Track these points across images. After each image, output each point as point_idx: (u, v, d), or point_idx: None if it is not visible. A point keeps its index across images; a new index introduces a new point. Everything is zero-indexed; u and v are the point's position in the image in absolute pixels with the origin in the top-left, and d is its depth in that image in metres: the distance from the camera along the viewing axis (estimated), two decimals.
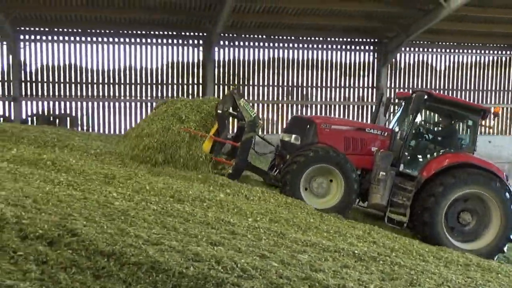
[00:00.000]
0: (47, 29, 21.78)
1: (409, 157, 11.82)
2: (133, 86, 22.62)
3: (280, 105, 23.84)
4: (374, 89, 24.05)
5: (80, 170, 8.79)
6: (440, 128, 12.43)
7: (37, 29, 21.68)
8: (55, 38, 22.02)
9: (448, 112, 11.90)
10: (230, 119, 12.77)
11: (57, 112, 22.51)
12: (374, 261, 6.85)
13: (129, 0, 18.76)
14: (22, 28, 21.36)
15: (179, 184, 9.20)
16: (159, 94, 22.72)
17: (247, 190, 10.02)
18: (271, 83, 23.83)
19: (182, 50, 22.90)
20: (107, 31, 21.93)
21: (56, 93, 22.44)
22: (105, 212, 6.32)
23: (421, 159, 11.80)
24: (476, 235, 11.17)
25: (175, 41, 22.65)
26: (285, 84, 23.95)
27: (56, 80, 22.40)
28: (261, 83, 23.74)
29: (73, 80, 22.39)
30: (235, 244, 6.21)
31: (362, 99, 24.20)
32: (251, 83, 23.60)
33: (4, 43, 21.14)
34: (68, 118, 22.25)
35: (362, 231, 8.76)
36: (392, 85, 24.38)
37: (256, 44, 23.26)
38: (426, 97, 11.46)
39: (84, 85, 22.62)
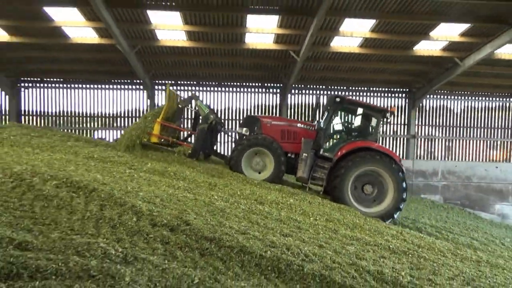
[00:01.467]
0: (173, 82, 22.70)
1: (328, 144, 11.81)
2: (231, 122, 23.03)
3: None
4: (405, 126, 23.23)
5: (193, 179, 8.98)
6: (352, 123, 12.21)
7: (167, 82, 22.61)
8: (180, 88, 22.91)
9: (357, 111, 11.79)
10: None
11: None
12: (404, 254, 6.54)
13: (229, 61, 19.22)
14: (157, 81, 22.36)
15: (261, 191, 9.20)
16: None
17: (311, 197, 9.88)
18: None
19: (264, 97, 23.13)
20: (215, 83, 22.55)
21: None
22: (209, 210, 6.41)
23: (336, 145, 11.64)
24: (376, 202, 10.77)
25: (260, 90, 22.94)
26: None
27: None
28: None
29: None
30: (300, 236, 6.12)
31: (396, 133, 23.42)
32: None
33: (145, 92, 22.19)
34: None
35: (396, 231, 8.40)
36: (420, 123, 23.46)
37: (319, 92, 23.10)
38: (338, 100, 11.36)
39: None
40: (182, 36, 16.31)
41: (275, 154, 11.42)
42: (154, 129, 11.94)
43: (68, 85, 22.14)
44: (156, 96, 22.54)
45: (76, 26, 15.09)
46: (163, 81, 22.52)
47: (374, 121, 11.63)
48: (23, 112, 22.09)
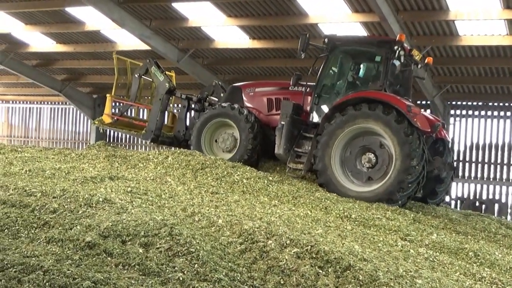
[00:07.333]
0: (475, 104, 22.22)
1: (318, 106, 12.67)
2: None
3: None
4: None
5: (507, 267, 8.48)
6: (347, 71, 12.88)
7: (469, 103, 22.34)
8: (484, 113, 22.27)
9: (358, 54, 12.76)
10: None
11: (484, 197, 22.41)
12: None
13: None
14: (454, 103, 22.30)
15: None
16: None
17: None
18: None
19: None
20: None
21: (485, 176, 22.44)
22: None
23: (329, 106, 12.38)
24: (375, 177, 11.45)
25: None
26: None
27: (486, 160, 22.46)
28: None
29: (505, 162, 22.11)
30: None
31: None
32: None
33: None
34: (496, 205, 21.85)
35: None
36: None
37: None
38: (326, 40, 12.40)
39: None
40: None
41: (240, 126, 12.93)
42: (106, 106, 15.06)
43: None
44: (451, 127, 22.46)
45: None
46: (464, 103, 22.29)
47: (377, 61, 12.21)
48: None
